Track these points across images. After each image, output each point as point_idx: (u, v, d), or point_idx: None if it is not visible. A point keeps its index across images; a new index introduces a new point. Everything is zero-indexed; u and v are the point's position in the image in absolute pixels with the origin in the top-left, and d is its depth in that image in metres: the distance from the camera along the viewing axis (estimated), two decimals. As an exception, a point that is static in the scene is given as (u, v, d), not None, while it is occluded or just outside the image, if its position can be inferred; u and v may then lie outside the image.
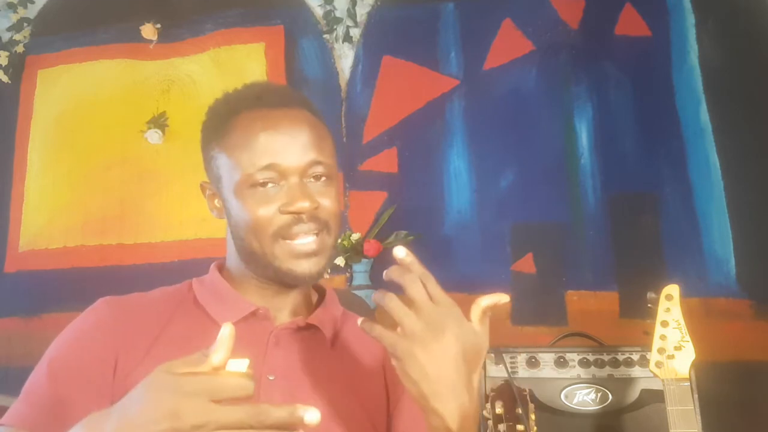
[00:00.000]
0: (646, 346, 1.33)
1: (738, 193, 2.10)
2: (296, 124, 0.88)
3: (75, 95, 2.64)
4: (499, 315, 0.75)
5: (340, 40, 2.49)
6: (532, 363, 1.51)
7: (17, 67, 2.69)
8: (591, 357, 1.50)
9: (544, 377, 1.50)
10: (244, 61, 2.55)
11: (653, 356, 1.26)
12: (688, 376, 1.23)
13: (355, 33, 2.50)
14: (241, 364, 0.54)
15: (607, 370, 1.49)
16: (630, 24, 2.29)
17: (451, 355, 0.68)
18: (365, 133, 2.41)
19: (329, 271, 2.26)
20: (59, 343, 0.86)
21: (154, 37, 2.60)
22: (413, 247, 2.33)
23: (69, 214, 2.53)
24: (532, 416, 0.81)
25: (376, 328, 0.69)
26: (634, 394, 1.47)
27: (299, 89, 2.28)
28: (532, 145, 2.28)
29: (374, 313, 1.39)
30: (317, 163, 0.87)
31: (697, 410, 1.30)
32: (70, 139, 2.60)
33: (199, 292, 0.93)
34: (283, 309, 0.93)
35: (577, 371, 1.50)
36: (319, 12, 2.54)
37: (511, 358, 1.52)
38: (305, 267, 0.86)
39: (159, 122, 2.52)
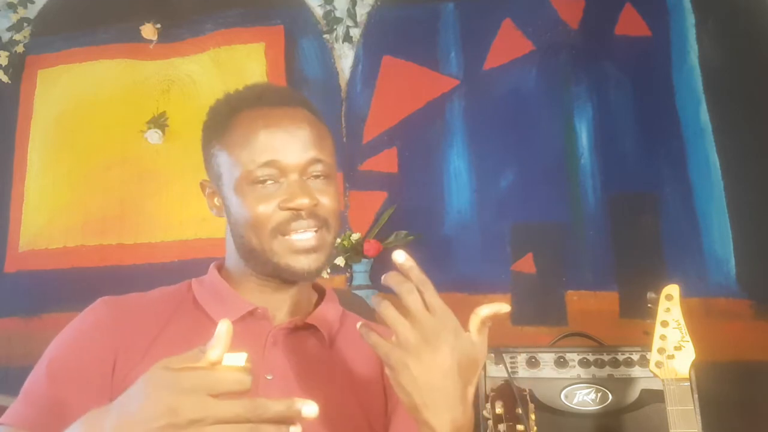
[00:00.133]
0: (646, 346, 1.32)
1: (738, 193, 2.10)
2: (296, 123, 0.88)
3: (75, 95, 2.64)
4: (499, 315, 0.74)
5: (340, 40, 2.49)
6: (532, 363, 1.51)
7: (17, 67, 2.68)
8: (591, 357, 1.50)
9: (544, 377, 1.50)
10: (244, 61, 2.55)
11: (653, 356, 1.26)
12: (688, 376, 1.23)
13: (355, 33, 2.50)
14: (238, 358, 0.54)
15: (607, 370, 1.49)
16: (630, 24, 2.29)
17: (445, 367, 0.67)
18: (365, 133, 2.41)
19: (329, 271, 2.27)
20: (58, 343, 0.86)
21: (154, 37, 2.60)
22: (413, 247, 2.33)
23: (69, 214, 2.53)
24: (532, 416, 0.81)
25: (372, 336, 0.69)
26: (634, 394, 1.47)
27: (299, 89, 2.29)
28: (532, 145, 2.28)
29: (375, 313, 1.39)
30: (317, 161, 0.88)
31: (697, 410, 1.30)
32: (70, 139, 2.60)
33: (198, 293, 0.93)
34: (282, 308, 0.93)
35: (577, 371, 1.50)
36: (319, 12, 2.54)
37: (511, 358, 1.52)
38: (304, 263, 0.86)
39: (159, 122, 2.52)
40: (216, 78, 2.54)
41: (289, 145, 0.86)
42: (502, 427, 0.80)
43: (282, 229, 0.85)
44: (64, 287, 2.40)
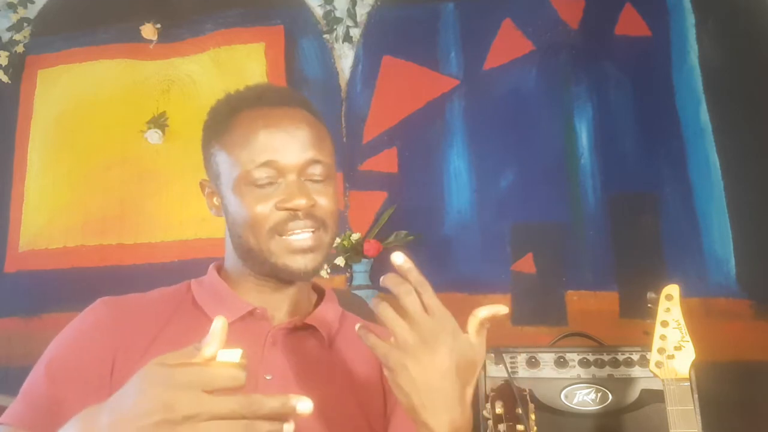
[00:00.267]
0: (646, 346, 1.33)
1: (738, 193, 2.10)
2: (296, 123, 0.88)
3: (75, 95, 2.64)
4: (497, 317, 0.74)
5: (340, 40, 2.49)
6: (532, 363, 1.51)
7: (17, 67, 2.69)
8: (591, 357, 1.50)
9: (544, 377, 1.50)
10: (244, 61, 2.55)
11: (653, 356, 1.26)
12: (688, 376, 1.23)
13: (355, 33, 2.50)
14: (233, 354, 0.54)
15: (607, 370, 1.49)
16: (630, 24, 2.30)
17: (443, 368, 0.68)
18: (365, 133, 2.41)
19: (329, 271, 2.27)
20: (57, 343, 0.86)
21: (154, 37, 2.60)
22: (413, 247, 2.32)
23: (69, 214, 2.53)
24: (532, 416, 0.81)
25: (371, 337, 0.70)
26: (634, 394, 1.47)
27: (299, 89, 2.29)
28: (532, 145, 2.28)
29: (374, 314, 1.39)
30: (315, 162, 0.88)
31: (697, 410, 1.30)
32: (70, 139, 2.60)
33: (197, 293, 0.93)
34: (281, 308, 0.92)
35: (577, 371, 1.50)
36: (319, 12, 2.54)
37: (511, 358, 1.52)
38: (301, 262, 0.86)
39: (159, 122, 2.52)
40: (216, 78, 2.55)
41: (287, 145, 0.86)
42: (502, 427, 0.80)
43: (279, 229, 0.85)
44: (64, 287, 2.40)
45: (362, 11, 2.51)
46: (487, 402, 0.84)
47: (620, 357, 1.50)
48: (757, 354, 1.94)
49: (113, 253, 2.45)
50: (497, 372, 1.48)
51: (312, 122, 0.91)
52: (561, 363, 1.50)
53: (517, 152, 2.29)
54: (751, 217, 2.07)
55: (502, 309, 0.72)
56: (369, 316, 1.10)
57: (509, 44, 2.37)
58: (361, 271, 2.28)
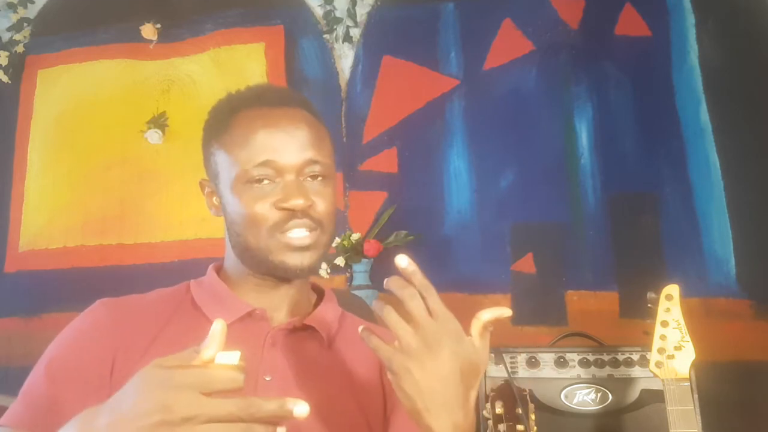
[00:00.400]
0: (646, 346, 1.33)
1: (738, 193, 2.10)
2: (295, 123, 0.89)
3: (75, 95, 2.64)
4: (501, 320, 0.74)
5: (340, 40, 2.49)
6: (532, 363, 1.51)
7: (17, 67, 2.69)
8: (591, 357, 1.50)
9: (544, 377, 1.50)
10: (244, 61, 2.55)
11: (653, 356, 1.26)
12: (688, 376, 1.23)
13: (355, 33, 2.50)
14: (231, 357, 0.54)
15: (607, 370, 1.49)
16: (630, 24, 2.29)
17: (446, 372, 0.68)
18: (365, 133, 2.41)
19: (329, 271, 2.27)
20: (57, 344, 0.86)
21: (154, 37, 2.60)
22: (413, 247, 2.33)
23: (69, 214, 2.53)
24: (532, 416, 0.81)
25: (374, 340, 0.70)
26: (634, 394, 1.47)
27: (299, 89, 2.29)
28: (532, 145, 2.28)
29: (375, 314, 1.39)
30: (314, 162, 0.88)
31: (697, 410, 1.30)
32: (70, 139, 2.60)
33: (196, 294, 0.93)
34: (281, 309, 0.92)
35: (577, 371, 1.50)
36: (319, 12, 2.54)
37: (511, 358, 1.52)
38: (297, 259, 0.86)
39: (159, 122, 2.52)
40: (216, 78, 2.55)
41: (286, 145, 0.86)
42: (502, 427, 0.80)
43: (278, 228, 0.86)
44: (64, 287, 2.40)
45: (362, 11, 2.51)
46: (487, 402, 0.84)
47: (620, 357, 1.50)
48: (757, 354, 1.94)
49: (113, 253, 2.45)
50: (497, 372, 1.48)
51: (311, 122, 0.91)
52: (561, 363, 1.50)
53: (517, 152, 2.29)
54: (751, 217, 2.07)
55: (505, 311, 0.73)
56: (369, 316, 1.10)
57: (509, 44, 2.37)
58: (361, 271, 2.28)
